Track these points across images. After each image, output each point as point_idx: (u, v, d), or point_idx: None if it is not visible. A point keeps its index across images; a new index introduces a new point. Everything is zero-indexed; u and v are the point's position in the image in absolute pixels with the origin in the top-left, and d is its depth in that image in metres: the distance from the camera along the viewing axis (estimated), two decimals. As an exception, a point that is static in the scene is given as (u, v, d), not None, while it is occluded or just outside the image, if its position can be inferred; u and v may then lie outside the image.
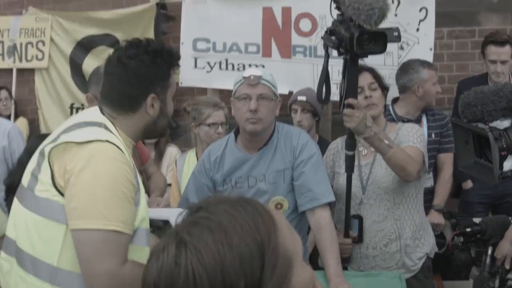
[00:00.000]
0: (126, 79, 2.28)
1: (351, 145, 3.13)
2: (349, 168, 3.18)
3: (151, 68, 2.30)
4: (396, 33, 2.83)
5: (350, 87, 2.96)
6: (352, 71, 2.93)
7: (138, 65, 2.28)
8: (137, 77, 2.28)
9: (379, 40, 2.76)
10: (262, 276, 1.12)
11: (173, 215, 2.95)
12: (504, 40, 4.66)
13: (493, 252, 3.60)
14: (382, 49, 2.80)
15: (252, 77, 3.03)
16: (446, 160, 4.47)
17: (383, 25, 2.83)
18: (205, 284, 1.09)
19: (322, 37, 3.06)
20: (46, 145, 2.19)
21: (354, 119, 2.97)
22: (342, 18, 2.87)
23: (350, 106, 2.97)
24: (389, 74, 4.86)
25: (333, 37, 2.92)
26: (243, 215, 1.16)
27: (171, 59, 2.37)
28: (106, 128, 2.22)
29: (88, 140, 2.12)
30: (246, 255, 1.11)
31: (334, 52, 3.06)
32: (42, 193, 2.15)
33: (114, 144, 2.15)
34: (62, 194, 2.11)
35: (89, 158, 2.09)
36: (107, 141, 2.14)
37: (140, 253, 2.19)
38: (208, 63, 5.41)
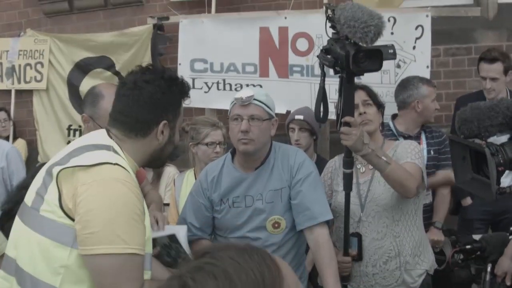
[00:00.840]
0: (141, 102, 2.28)
1: (348, 163, 3.13)
2: (347, 186, 3.17)
3: (166, 94, 2.30)
4: (391, 51, 2.84)
5: (347, 105, 2.96)
6: (348, 89, 2.94)
7: (155, 90, 2.29)
8: (152, 102, 2.28)
9: (375, 58, 2.77)
10: None
11: (179, 230, 2.95)
12: (493, 58, 4.69)
13: (492, 269, 3.59)
14: (378, 67, 2.80)
15: (243, 98, 3.04)
16: (445, 176, 4.46)
17: (379, 43, 2.84)
18: None
19: (317, 56, 3.07)
20: (53, 166, 2.18)
21: (352, 137, 2.97)
22: (338, 37, 2.88)
23: (347, 124, 2.98)
24: (386, 92, 4.90)
25: (328, 56, 2.93)
26: (249, 264, 1.13)
27: (184, 88, 2.39)
28: (114, 151, 2.22)
29: (98, 162, 2.12)
30: None
31: (331, 71, 3.07)
32: (47, 213, 2.14)
33: (124, 168, 2.16)
34: (69, 217, 2.10)
35: (101, 182, 2.08)
36: (117, 164, 2.14)
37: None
38: (206, 84, 5.43)
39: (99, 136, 2.33)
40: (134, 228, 2.11)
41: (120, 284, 2.05)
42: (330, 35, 2.97)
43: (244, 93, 3.06)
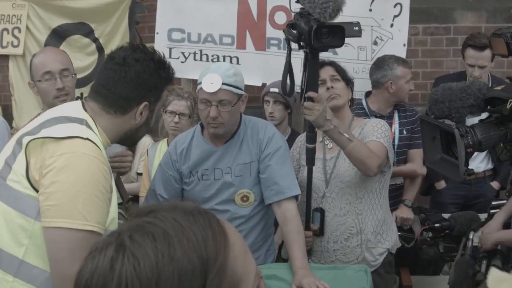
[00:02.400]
0: (127, 79, 2.27)
1: (311, 138, 3.13)
2: (310, 161, 3.19)
3: (153, 76, 2.31)
4: (356, 28, 2.83)
5: (311, 81, 2.96)
6: (312, 64, 2.93)
7: (143, 70, 2.28)
8: (138, 81, 2.28)
9: (338, 34, 2.76)
10: None
11: None
12: (483, 45, 4.56)
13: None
14: (341, 43, 2.79)
15: (210, 85, 2.95)
16: (416, 155, 4.46)
17: (355, 19, 2.82)
18: None
19: (283, 31, 3.05)
20: (24, 136, 2.16)
21: (314, 112, 2.97)
22: (303, 12, 2.87)
23: (310, 99, 2.98)
24: (362, 68, 4.87)
25: (294, 31, 2.92)
26: (192, 228, 1.07)
27: (170, 74, 2.39)
28: (87, 125, 2.20)
29: (68, 135, 2.10)
30: (186, 271, 1.03)
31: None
32: (13, 183, 2.13)
33: (94, 143, 2.14)
34: (34, 188, 2.09)
35: (70, 156, 2.07)
36: (87, 139, 2.12)
37: None
38: (183, 54, 5.38)
39: (74, 108, 2.30)
40: (97, 206, 2.10)
41: (74, 260, 2.02)
42: (295, 10, 2.95)
43: (211, 80, 2.96)
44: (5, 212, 2.14)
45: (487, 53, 4.57)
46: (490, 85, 3.40)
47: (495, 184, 4.88)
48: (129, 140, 2.46)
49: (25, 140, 2.13)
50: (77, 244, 2.04)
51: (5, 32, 6.22)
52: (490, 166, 4.84)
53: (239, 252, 1.12)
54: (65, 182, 2.05)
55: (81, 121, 2.20)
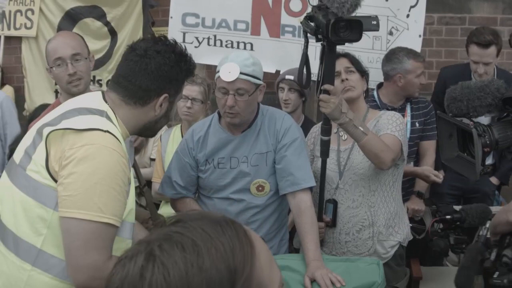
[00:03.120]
0: (148, 71, 2.28)
1: (326, 130, 3.13)
2: (324, 153, 3.18)
3: (173, 68, 2.31)
4: (374, 22, 2.81)
5: (327, 73, 2.94)
6: (329, 57, 2.92)
7: (164, 62, 2.29)
8: (159, 73, 2.28)
9: (355, 28, 2.74)
10: None
11: None
12: (487, 42, 4.46)
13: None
14: (358, 37, 2.77)
15: (228, 74, 2.96)
16: (429, 147, 4.45)
17: (372, 11, 2.80)
18: None
19: (300, 23, 3.04)
20: (44, 126, 2.17)
21: (330, 105, 2.96)
22: (321, 4, 2.85)
23: (326, 92, 2.97)
24: (376, 58, 4.87)
25: (311, 23, 2.91)
26: (220, 238, 1.09)
27: (191, 67, 2.39)
28: (107, 117, 2.21)
29: (89, 128, 2.11)
30: (215, 281, 1.05)
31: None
32: (33, 173, 2.15)
33: (114, 136, 2.15)
34: (53, 179, 2.11)
35: (89, 148, 2.08)
36: (107, 131, 2.13)
37: (121, 244, 2.20)
38: (197, 38, 5.38)
39: (94, 99, 2.31)
40: (114, 198, 2.11)
41: (88, 250, 2.06)
42: (314, 3, 2.94)
43: (230, 69, 2.97)
44: (24, 202, 2.15)
45: (492, 49, 4.48)
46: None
47: (494, 180, 4.86)
48: (148, 132, 2.46)
49: (46, 130, 2.14)
50: (91, 235, 2.06)
51: (18, 14, 6.22)
52: (490, 161, 4.83)
53: (264, 261, 1.13)
54: (83, 174, 2.06)
55: (101, 113, 2.21)
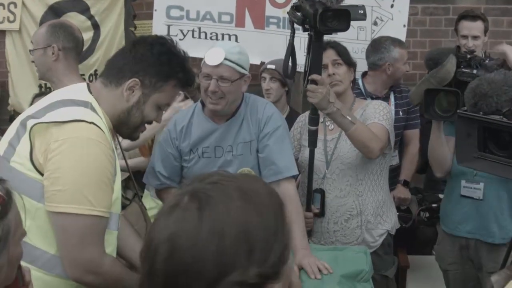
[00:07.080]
0: (132, 55, 2.27)
1: (314, 120, 3.14)
2: (312, 143, 3.19)
3: (156, 60, 2.27)
4: (361, 11, 2.83)
5: (314, 64, 2.95)
6: (316, 47, 2.92)
7: (150, 53, 2.27)
8: (137, 57, 2.27)
9: (343, 18, 2.75)
10: (273, 248, 1.15)
11: None
12: (475, 16, 4.69)
13: None
14: (346, 27, 2.79)
15: (213, 58, 2.96)
16: (413, 136, 4.49)
17: (356, 0, 2.81)
18: (228, 241, 1.08)
19: (287, 13, 3.04)
20: (28, 119, 2.16)
21: (317, 95, 2.97)
22: (308, -6, 2.86)
23: (314, 82, 2.98)
24: (361, 48, 4.87)
25: (298, 13, 2.91)
26: (259, 183, 1.23)
27: (179, 70, 2.32)
28: (92, 108, 2.19)
29: (73, 119, 2.10)
30: (270, 218, 1.18)
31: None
32: (17, 165, 2.13)
33: (99, 127, 2.13)
34: (38, 171, 2.10)
35: (75, 140, 2.07)
36: (92, 123, 2.12)
37: (109, 236, 2.20)
38: (181, 31, 5.35)
39: (79, 90, 2.29)
40: (102, 191, 2.11)
41: (85, 245, 2.07)
42: None
43: (215, 53, 2.97)
44: None
45: (480, 24, 4.67)
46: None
47: None
48: (124, 127, 2.36)
49: (30, 123, 2.13)
50: (86, 230, 2.07)
51: (0, 7, 6.15)
52: None
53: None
54: (71, 168, 2.06)
55: (86, 104, 2.19)
